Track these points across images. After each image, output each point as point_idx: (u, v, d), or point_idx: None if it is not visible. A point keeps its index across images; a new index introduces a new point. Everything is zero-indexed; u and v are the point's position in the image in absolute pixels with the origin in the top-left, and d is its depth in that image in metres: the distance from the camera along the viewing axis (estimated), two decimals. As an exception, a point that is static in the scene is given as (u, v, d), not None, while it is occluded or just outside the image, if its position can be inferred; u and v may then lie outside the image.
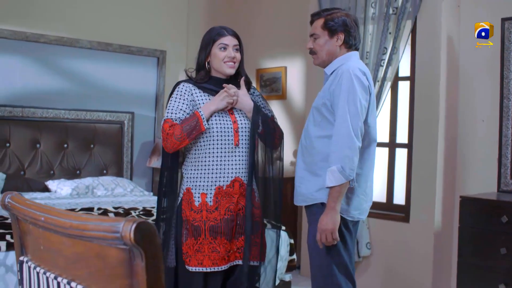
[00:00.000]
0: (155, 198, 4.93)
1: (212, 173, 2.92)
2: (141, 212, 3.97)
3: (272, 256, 3.79)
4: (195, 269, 2.87)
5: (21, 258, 1.52)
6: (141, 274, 1.13)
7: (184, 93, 2.94)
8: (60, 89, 5.21)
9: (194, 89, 2.97)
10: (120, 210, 4.12)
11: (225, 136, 2.93)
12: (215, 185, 2.92)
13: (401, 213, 4.63)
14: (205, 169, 2.92)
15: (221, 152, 2.92)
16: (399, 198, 4.74)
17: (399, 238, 4.58)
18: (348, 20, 2.92)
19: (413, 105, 4.55)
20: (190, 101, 2.94)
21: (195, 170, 2.95)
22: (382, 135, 4.74)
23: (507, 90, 4.20)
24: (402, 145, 4.72)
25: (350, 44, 2.95)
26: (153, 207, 4.20)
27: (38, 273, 1.42)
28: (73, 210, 3.91)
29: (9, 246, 3.01)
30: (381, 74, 4.57)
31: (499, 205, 3.83)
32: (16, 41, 4.93)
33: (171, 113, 2.90)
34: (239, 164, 2.97)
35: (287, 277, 4.12)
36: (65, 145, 5.21)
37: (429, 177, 4.40)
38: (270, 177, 3.14)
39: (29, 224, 1.42)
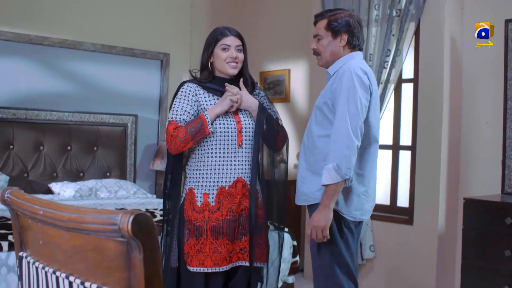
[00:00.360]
0: (158, 200, 4.96)
1: (215, 173, 2.92)
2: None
3: (275, 258, 3.78)
4: (196, 270, 2.87)
5: (20, 254, 1.52)
6: (139, 267, 1.13)
7: (188, 94, 2.95)
8: (63, 92, 5.22)
9: (198, 89, 2.98)
10: (123, 212, 4.11)
11: (228, 136, 2.93)
12: (217, 185, 2.92)
13: (404, 216, 4.61)
14: (207, 169, 2.93)
15: (224, 152, 2.92)
16: (403, 200, 4.73)
17: (403, 240, 4.56)
18: (351, 20, 2.91)
19: (416, 107, 4.54)
20: (195, 101, 2.94)
21: (197, 170, 2.95)
22: (386, 137, 4.73)
23: (511, 92, 4.18)
24: (405, 148, 4.71)
25: (354, 44, 2.94)
26: (156, 209, 4.20)
27: (37, 268, 1.42)
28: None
29: (11, 246, 3.01)
30: (384, 76, 4.56)
31: (503, 207, 3.81)
32: (20, 44, 4.94)
33: (176, 114, 2.90)
34: (242, 165, 2.97)
35: (290, 279, 4.10)
36: (69, 148, 5.21)
37: (433, 180, 4.38)
38: (274, 179, 3.13)
39: (28, 218, 1.42)
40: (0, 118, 4.82)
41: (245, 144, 2.98)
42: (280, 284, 4.01)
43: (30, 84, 5.03)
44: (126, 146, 5.58)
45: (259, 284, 3.10)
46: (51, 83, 5.15)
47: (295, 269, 4.14)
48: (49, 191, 4.95)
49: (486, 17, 4.21)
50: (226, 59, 2.95)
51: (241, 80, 3.01)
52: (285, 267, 3.89)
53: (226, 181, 2.93)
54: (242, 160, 2.97)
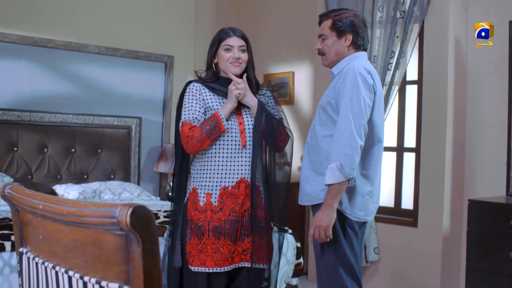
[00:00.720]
0: (162, 202, 4.96)
1: (218, 174, 2.93)
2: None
3: (278, 259, 3.77)
4: (198, 269, 2.87)
5: (20, 250, 1.52)
6: (138, 260, 1.12)
7: (195, 93, 2.98)
8: (68, 94, 5.23)
9: (203, 89, 3.01)
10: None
11: (231, 136, 2.93)
12: (220, 186, 2.92)
13: (409, 218, 4.60)
14: (211, 169, 2.94)
15: (227, 153, 2.93)
16: (407, 202, 4.71)
17: (407, 242, 4.55)
18: (356, 20, 2.91)
19: (420, 109, 4.53)
20: (202, 100, 2.97)
21: (201, 170, 2.96)
22: (390, 139, 4.72)
23: (515, 93, 4.17)
24: (410, 149, 4.70)
25: (359, 44, 2.94)
26: (160, 211, 4.20)
27: (37, 264, 1.41)
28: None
29: (14, 247, 3.01)
30: (388, 78, 4.55)
31: (507, 209, 3.79)
32: (25, 46, 4.95)
33: (188, 114, 2.92)
34: (246, 165, 2.97)
35: (294, 281, 4.09)
36: (73, 150, 5.22)
37: (437, 182, 4.36)
38: (276, 181, 3.13)
39: (28, 213, 1.42)
40: (4, 120, 4.82)
41: (249, 145, 2.98)
42: (283, 286, 3.99)
43: (35, 86, 5.04)
44: (130, 149, 5.58)
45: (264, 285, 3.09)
46: (55, 86, 5.16)
47: (299, 271, 4.12)
48: (53, 193, 4.95)
49: (490, 18, 4.20)
50: (229, 60, 2.97)
51: (244, 75, 3.01)
52: (288, 268, 3.88)
53: (229, 182, 2.93)
54: (246, 161, 2.97)
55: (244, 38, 3.03)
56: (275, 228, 3.72)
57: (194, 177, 3.00)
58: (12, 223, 3.34)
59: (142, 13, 5.70)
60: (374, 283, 4.76)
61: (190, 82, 3.06)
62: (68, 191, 4.82)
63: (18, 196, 1.43)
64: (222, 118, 2.86)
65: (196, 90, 2.98)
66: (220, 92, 3.01)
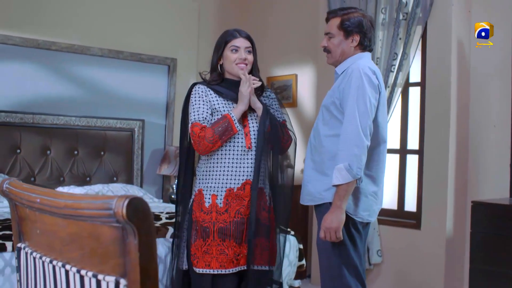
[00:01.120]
0: (165, 204, 4.95)
1: (224, 175, 2.93)
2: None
3: (280, 261, 3.76)
4: (202, 271, 2.86)
5: (18, 245, 1.52)
6: (134, 252, 1.12)
7: (201, 94, 2.98)
8: (71, 96, 5.23)
9: (209, 91, 3.01)
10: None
11: (236, 139, 2.94)
12: (226, 187, 2.93)
13: (412, 220, 4.58)
14: (217, 171, 2.94)
15: (233, 155, 2.93)
16: (410, 205, 4.69)
17: (411, 245, 4.53)
18: (364, 21, 2.90)
19: (423, 111, 4.51)
20: (208, 101, 2.97)
21: (207, 172, 2.97)
22: (393, 141, 4.70)
23: (519, 95, 4.16)
24: (413, 151, 4.68)
25: (365, 45, 2.94)
26: (162, 212, 4.19)
27: (34, 259, 1.41)
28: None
29: (16, 247, 3.01)
30: (391, 80, 4.54)
31: (511, 210, 3.77)
32: (28, 49, 4.96)
33: (197, 115, 2.92)
34: (251, 167, 2.97)
35: (296, 283, 4.06)
36: (76, 152, 5.22)
37: (441, 184, 4.35)
38: (281, 184, 3.12)
39: (26, 208, 1.41)
40: (7, 122, 4.83)
41: (254, 147, 2.98)
42: (286, 288, 3.97)
43: (37, 89, 5.04)
44: (133, 151, 5.57)
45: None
46: (58, 88, 5.16)
47: (301, 273, 4.10)
48: (56, 195, 4.95)
49: (493, 19, 4.19)
50: (235, 61, 2.97)
51: (251, 76, 3.01)
52: (291, 270, 3.86)
53: (235, 183, 2.93)
54: (251, 163, 2.97)
55: (249, 39, 3.05)
56: (277, 230, 3.72)
57: (200, 179, 3.00)
58: (13, 223, 3.35)
59: (145, 16, 5.71)
60: (377, 285, 4.74)
61: (195, 84, 3.06)
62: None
63: (16, 190, 1.43)
64: (234, 120, 2.87)
65: (202, 91, 2.99)
66: (224, 95, 3.01)
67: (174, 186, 5.43)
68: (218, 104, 2.98)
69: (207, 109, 2.94)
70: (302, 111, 5.79)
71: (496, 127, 4.32)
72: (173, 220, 3.81)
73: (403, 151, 4.76)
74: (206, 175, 2.97)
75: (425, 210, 4.44)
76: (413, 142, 4.69)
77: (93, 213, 1.14)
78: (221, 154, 2.93)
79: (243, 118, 2.99)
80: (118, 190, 5.02)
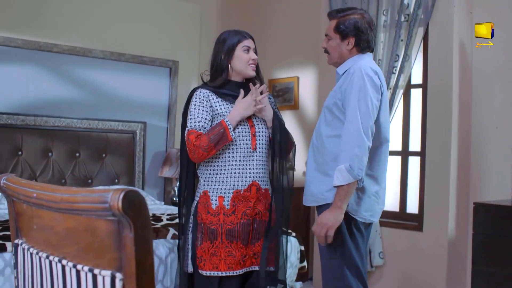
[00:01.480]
0: (166, 206, 4.95)
1: (231, 177, 2.92)
2: (150, 218, 3.95)
3: (282, 262, 3.75)
4: (210, 273, 2.85)
5: (16, 241, 1.51)
6: (130, 246, 1.11)
7: (202, 100, 2.94)
8: (72, 99, 5.24)
9: (211, 95, 2.97)
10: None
11: (243, 140, 2.93)
12: (233, 189, 2.91)
13: (414, 222, 4.56)
14: (224, 173, 2.92)
15: (240, 156, 2.92)
16: (412, 207, 4.68)
17: (413, 247, 4.51)
18: (360, 22, 2.89)
19: (425, 112, 4.50)
20: (209, 107, 2.93)
21: (213, 173, 2.94)
22: (395, 143, 4.69)
23: (521, 96, 4.15)
24: (414, 153, 4.67)
25: (362, 47, 2.93)
26: (163, 214, 4.19)
27: (31, 254, 1.40)
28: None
29: (16, 247, 3.00)
30: (393, 81, 4.53)
31: (513, 211, 3.76)
32: (29, 51, 4.97)
33: (194, 122, 2.89)
34: (257, 169, 2.97)
35: (298, 285, 4.05)
36: (77, 154, 5.22)
37: (443, 185, 4.33)
38: (283, 186, 3.11)
39: (23, 203, 1.41)
40: (9, 124, 4.83)
41: (259, 148, 2.98)
42: (287, 289, 3.96)
43: (39, 91, 5.05)
44: (134, 153, 5.57)
45: None
46: (60, 90, 5.17)
47: (302, 275, 4.10)
48: (57, 197, 4.94)
49: (495, 20, 4.18)
50: (249, 61, 2.96)
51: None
52: (292, 272, 3.85)
53: (241, 185, 2.93)
54: (257, 164, 2.97)
55: (253, 39, 3.05)
56: (279, 231, 3.71)
57: (205, 181, 2.97)
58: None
59: (147, 18, 5.71)
60: (379, 287, 4.73)
61: (196, 89, 3.02)
62: (72, 195, 4.81)
63: (13, 186, 1.42)
64: (230, 128, 2.84)
65: (203, 97, 2.95)
66: (229, 96, 2.98)
67: (176, 188, 5.42)
68: (221, 108, 2.95)
69: (206, 116, 2.91)
70: (304, 113, 5.78)
71: (498, 128, 4.31)
72: (174, 221, 3.82)
73: (405, 153, 4.75)
74: (211, 177, 2.94)
75: (427, 212, 4.43)
76: (415, 144, 4.68)
77: (89, 207, 1.13)
78: (230, 156, 2.92)
79: (248, 119, 2.99)
80: (120, 193, 5.01)
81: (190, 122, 2.90)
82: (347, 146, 2.70)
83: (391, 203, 4.75)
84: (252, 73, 3.01)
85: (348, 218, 2.84)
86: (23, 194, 1.35)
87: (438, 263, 4.31)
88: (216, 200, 2.91)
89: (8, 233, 3.20)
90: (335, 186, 2.72)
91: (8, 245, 3.03)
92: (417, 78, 4.68)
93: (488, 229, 3.82)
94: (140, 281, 1.11)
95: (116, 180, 5.42)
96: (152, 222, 3.74)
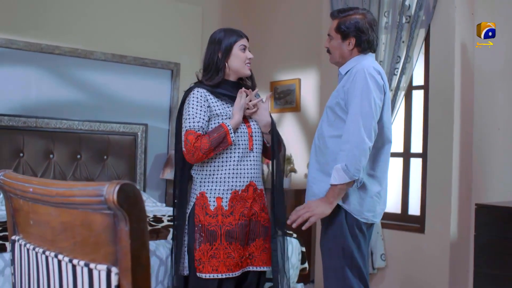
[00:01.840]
0: (168, 208, 4.93)
1: (229, 178, 2.90)
2: (151, 219, 3.94)
3: (283, 263, 3.73)
4: (210, 276, 2.81)
5: (13, 238, 1.51)
6: (125, 240, 1.10)
7: (200, 99, 2.90)
8: (74, 100, 5.24)
9: (209, 95, 2.94)
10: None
11: (241, 140, 2.92)
12: (232, 190, 2.90)
13: (416, 224, 4.54)
14: (221, 173, 2.90)
15: (237, 156, 2.91)
16: (414, 208, 4.66)
17: (415, 249, 4.49)
18: (361, 23, 2.89)
19: (427, 114, 4.49)
20: (207, 107, 2.90)
21: (210, 173, 2.92)
22: (397, 145, 4.68)
23: (523, 97, 4.13)
24: (416, 155, 4.65)
25: (363, 47, 2.93)
26: (164, 215, 4.18)
27: (28, 250, 1.40)
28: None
29: (16, 248, 3.00)
30: (394, 83, 4.52)
31: (515, 213, 3.73)
32: (31, 53, 4.97)
33: (192, 122, 2.85)
34: (253, 169, 2.96)
35: (299, 286, 4.04)
36: (79, 156, 5.21)
37: (445, 187, 4.31)
38: (281, 187, 3.11)
39: (20, 199, 1.40)
40: (10, 126, 4.83)
41: (255, 148, 2.98)
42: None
43: (41, 93, 5.05)
44: (136, 155, 5.57)
45: None
46: (61, 92, 5.17)
47: (304, 276, 4.08)
48: (59, 199, 4.93)
49: (497, 21, 4.17)
50: (245, 60, 2.96)
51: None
52: (293, 273, 3.83)
53: (239, 185, 2.92)
54: (253, 164, 2.97)
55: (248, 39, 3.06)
56: (279, 232, 3.70)
57: (201, 182, 2.93)
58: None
59: (149, 20, 5.72)
60: (381, 290, 4.71)
61: (192, 88, 2.98)
62: (73, 197, 4.80)
63: (10, 181, 1.42)
64: (231, 131, 2.83)
65: (201, 96, 2.91)
66: (225, 96, 2.96)
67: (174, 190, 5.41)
68: (218, 108, 2.92)
69: (204, 116, 2.87)
70: (305, 115, 5.77)
71: (500, 130, 4.29)
72: (176, 223, 3.80)
73: (406, 155, 4.73)
74: (208, 178, 2.92)
75: (429, 213, 4.41)
76: (416, 146, 4.66)
77: (85, 200, 1.13)
78: (228, 156, 2.90)
79: (244, 119, 2.98)
80: (121, 194, 5.01)
81: (189, 122, 2.86)
82: (347, 146, 2.70)
83: (393, 205, 4.73)
84: (248, 72, 3.00)
85: (350, 219, 2.83)
86: (20, 189, 1.35)
87: (440, 265, 4.29)
88: (214, 201, 2.88)
89: (7, 233, 3.19)
90: (331, 185, 2.72)
91: (8, 245, 3.02)
92: (418, 80, 4.67)
93: (490, 230, 3.80)
94: (135, 274, 1.10)
95: (118, 182, 5.41)
96: (153, 223, 3.73)
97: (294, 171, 5.53)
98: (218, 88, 2.97)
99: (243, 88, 2.95)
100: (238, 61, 2.96)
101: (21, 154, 4.90)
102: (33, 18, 5.01)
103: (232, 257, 2.84)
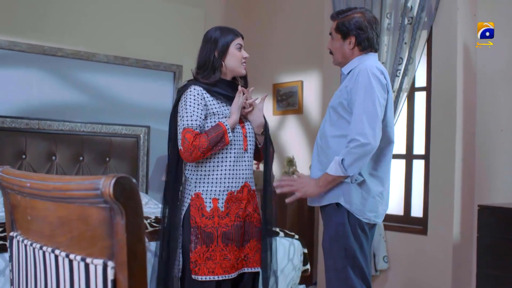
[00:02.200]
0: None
1: (225, 178, 2.87)
2: (153, 220, 3.94)
3: (285, 265, 3.73)
4: (206, 278, 2.78)
5: (11, 234, 1.50)
6: (121, 233, 1.10)
7: (197, 97, 2.83)
8: (76, 102, 5.24)
9: (205, 93, 2.88)
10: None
11: (237, 141, 2.90)
12: (228, 190, 2.86)
13: (418, 226, 4.53)
14: (217, 174, 2.86)
15: (233, 157, 2.88)
16: (417, 210, 4.64)
17: (417, 251, 4.48)
18: (361, 21, 2.89)
19: (429, 115, 4.48)
20: (204, 105, 2.84)
21: (205, 174, 2.87)
22: (399, 146, 4.66)
23: (525, 98, 4.12)
24: (419, 157, 4.64)
25: (364, 46, 2.93)
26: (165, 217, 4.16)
27: (26, 246, 1.39)
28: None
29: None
30: (397, 84, 4.51)
31: (518, 214, 3.72)
32: (34, 55, 4.98)
33: (190, 120, 2.78)
34: (248, 169, 2.95)
35: (301, 288, 4.03)
36: (81, 158, 5.21)
37: (447, 189, 4.30)
38: (268, 187, 3.09)
39: (17, 194, 1.40)
40: (13, 128, 4.83)
41: (249, 149, 2.97)
42: (290, 293, 3.94)
43: (43, 95, 5.06)
44: (138, 157, 5.57)
45: None
46: (64, 94, 5.17)
47: (306, 278, 4.07)
48: (61, 201, 4.93)
49: (499, 22, 4.17)
50: (242, 60, 2.95)
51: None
52: (295, 275, 3.83)
53: (235, 186, 2.89)
54: (248, 165, 2.96)
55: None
56: (281, 234, 3.70)
57: (196, 182, 2.87)
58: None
59: (151, 23, 5.73)
60: (383, 292, 4.69)
61: (188, 85, 2.91)
62: (75, 199, 4.80)
63: (8, 177, 1.42)
64: (229, 130, 2.80)
65: (198, 94, 2.84)
66: (221, 95, 2.92)
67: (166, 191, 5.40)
68: (215, 107, 2.88)
69: (201, 114, 2.81)
70: (308, 117, 5.77)
71: (503, 131, 4.28)
72: (170, 225, 3.77)
73: (409, 156, 4.72)
74: (204, 178, 2.86)
75: (431, 215, 4.39)
76: (419, 147, 4.65)
77: (81, 194, 1.12)
78: (224, 157, 2.86)
79: (240, 121, 2.97)
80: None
81: (186, 120, 2.79)
82: (351, 144, 2.71)
83: (396, 206, 4.72)
84: (244, 72, 2.98)
85: (353, 219, 2.83)
86: (18, 184, 1.35)
87: (443, 267, 4.27)
88: (210, 202, 2.83)
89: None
90: (327, 173, 2.78)
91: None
92: (421, 81, 4.66)
93: (493, 231, 3.79)
94: (132, 268, 1.09)
95: (120, 184, 5.41)
96: (155, 225, 3.73)
97: (294, 172, 5.51)
98: (214, 87, 2.92)
99: (241, 87, 2.92)
100: (235, 60, 2.93)
101: (24, 156, 4.91)
102: (36, 20, 5.02)
103: (229, 259, 2.81)
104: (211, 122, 2.85)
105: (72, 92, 5.22)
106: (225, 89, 2.94)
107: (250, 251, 2.94)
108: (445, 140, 4.33)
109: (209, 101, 2.88)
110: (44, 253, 1.30)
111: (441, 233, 4.31)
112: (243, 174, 2.92)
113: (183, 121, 2.79)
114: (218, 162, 2.86)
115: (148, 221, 3.91)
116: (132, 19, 5.61)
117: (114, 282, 1.12)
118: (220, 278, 2.79)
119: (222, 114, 2.88)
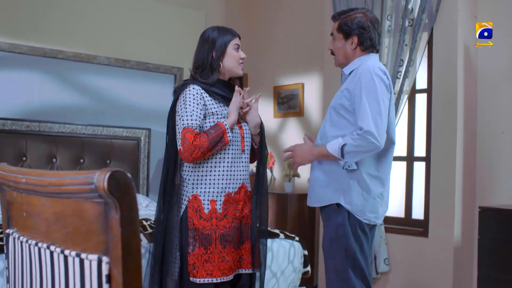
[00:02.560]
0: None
1: (223, 180, 2.85)
2: (153, 222, 3.93)
3: (285, 267, 3.72)
4: (204, 281, 2.76)
5: (7, 231, 1.50)
6: (116, 228, 1.09)
7: (196, 96, 2.80)
8: (77, 105, 5.24)
9: (204, 92, 2.85)
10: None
11: (234, 142, 2.89)
12: (225, 192, 2.85)
13: (419, 228, 4.52)
14: (215, 175, 2.84)
15: (230, 158, 2.86)
16: (418, 212, 4.63)
17: (418, 253, 4.46)
18: (363, 21, 2.90)
19: (430, 117, 4.47)
20: (203, 105, 2.82)
21: (203, 175, 2.84)
22: (400, 148, 4.66)
23: (526, 100, 4.11)
24: (420, 159, 4.63)
25: (366, 46, 2.92)
26: (166, 218, 4.16)
27: (21, 243, 1.39)
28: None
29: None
30: (397, 86, 4.51)
31: (519, 215, 3.71)
32: (34, 57, 4.98)
33: (190, 120, 2.75)
34: (245, 171, 2.95)
35: (301, 290, 4.02)
36: (81, 160, 5.21)
37: (448, 191, 4.29)
38: (264, 188, 3.07)
39: (13, 191, 1.40)
40: (14, 130, 4.83)
41: (246, 149, 2.96)
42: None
43: (44, 97, 5.06)
44: (139, 160, 5.56)
45: None
46: (64, 96, 5.18)
47: (306, 280, 4.06)
48: (61, 203, 4.93)
49: (499, 23, 4.16)
50: (239, 60, 2.94)
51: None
52: (295, 277, 3.81)
53: (232, 187, 2.87)
54: (244, 166, 2.95)
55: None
56: (282, 236, 3.69)
57: (194, 184, 2.84)
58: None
59: (152, 25, 5.73)
60: (384, 295, 4.68)
61: (187, 84, 2.88)
62: (76, 201, 4.80)
63: (4, 173, 1.41)
64: (228, 130, 2.78)
65: (197, 93, 2.81)
66: (219, 96, 2.90)
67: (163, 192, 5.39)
68: (214, 107, 2.86)
69: (200, 114, 2.78)
70: (309, 120, 5.76)
71: (504, 133, 4.27)
72: (165, 227, 3.74)
73: (410, 159, 4.71)
74: (201, 179, 2.84)
75: (432, 217, 4.38)
76: (420, 149, 4.64)
77: (76, 189, 1.12)
78: (221, 158, 2.84)
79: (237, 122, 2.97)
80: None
81: (186, 120, 2.75)
82: (355, 136, 2.72)
83: (397, 209, 4.71)
84: (241, 72, 2.97)
85: (353, 220, 2.82)
86: (13, 180, 1.34)
87: (444, 269, 4.25)
88: (208, 204, 2.81)
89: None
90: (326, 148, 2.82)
91: (8, 246, 3.01)
92: (421, 83, 4.65)
93: (494, 233, 3.77)
94: (126, 263, 1.09)
95: (120, 187, 5.40)
96: (154, 226, 3.71)
97: (297, 175, 5.51)
98: (212, 87, 2.90)
99: (238, 87, 2.92)
100: (232, 60, 2.91)
101: (24, 158, 4.91)
102: (37, 22, 5.03)
103: (227, 261, 2.79)
104: (210, 122, 2.84)
105: (72, 94, 5.22)
106: (222, 89, 2.93)
107: (245, 252, 2.93)
108: (446, 142, 4.32)
109: (208, 100, 2.86)
110: (39, 249, 1.29)
111: (442, 235, 4.29)
112: (240, 175, 2.91)
113: (183, 120, 2.77)
114: (215, 163, 2.85)
115: (148, 222, 3.90)
116: (132, 21, 5.62)
117: (109, 277, 1.11)
118: (219, 281, 2.78)
119: (221, 114, 2.87)
